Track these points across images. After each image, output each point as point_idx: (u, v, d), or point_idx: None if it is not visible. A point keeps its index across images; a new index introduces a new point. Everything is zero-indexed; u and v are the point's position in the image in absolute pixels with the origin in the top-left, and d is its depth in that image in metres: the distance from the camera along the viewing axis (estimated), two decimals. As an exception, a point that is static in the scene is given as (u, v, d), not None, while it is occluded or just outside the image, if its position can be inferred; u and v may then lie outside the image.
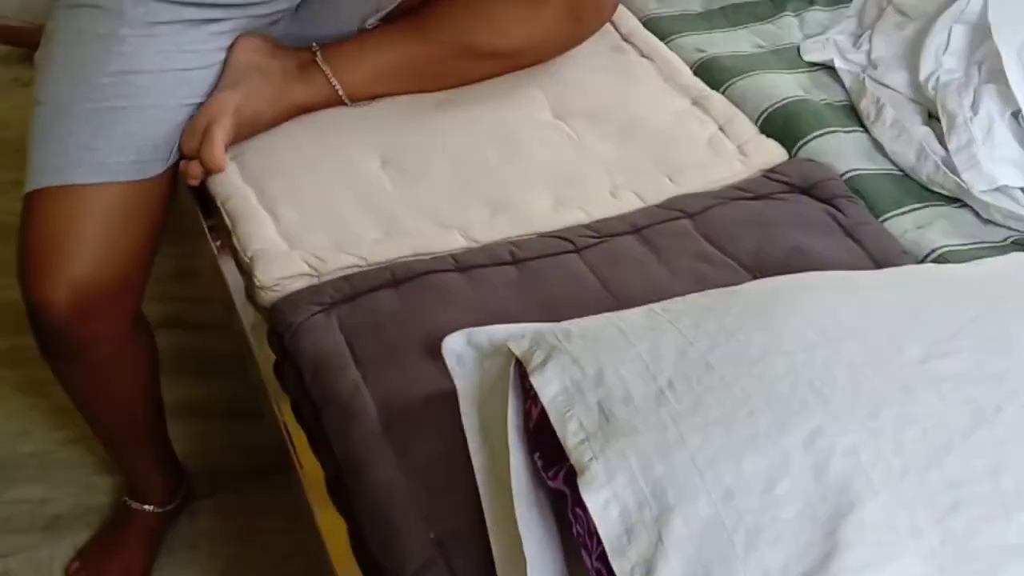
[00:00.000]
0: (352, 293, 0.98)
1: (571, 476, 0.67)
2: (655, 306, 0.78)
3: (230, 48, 1.15)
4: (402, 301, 0.97)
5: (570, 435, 0.68)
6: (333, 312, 0.96)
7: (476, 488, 0.78)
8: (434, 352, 0.90)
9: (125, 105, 1.09)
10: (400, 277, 0.99)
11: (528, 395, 0.73)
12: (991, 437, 0.63)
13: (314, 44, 1.18)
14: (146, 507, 1.41)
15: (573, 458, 0.67)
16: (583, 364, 0.71)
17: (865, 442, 0.62)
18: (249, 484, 1.51)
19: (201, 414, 1.61)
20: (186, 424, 1.53)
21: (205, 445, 1.56)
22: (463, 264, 1.01)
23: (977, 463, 0.62)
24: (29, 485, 1.52)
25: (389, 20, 1.20)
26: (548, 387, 0.71)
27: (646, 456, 0.64)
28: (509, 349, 0.75)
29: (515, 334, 0.77)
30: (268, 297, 1.01)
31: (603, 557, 0.63)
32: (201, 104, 1.13)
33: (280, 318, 0.97)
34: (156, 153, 1.11)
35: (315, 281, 1.00)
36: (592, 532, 0.64)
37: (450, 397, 0.85)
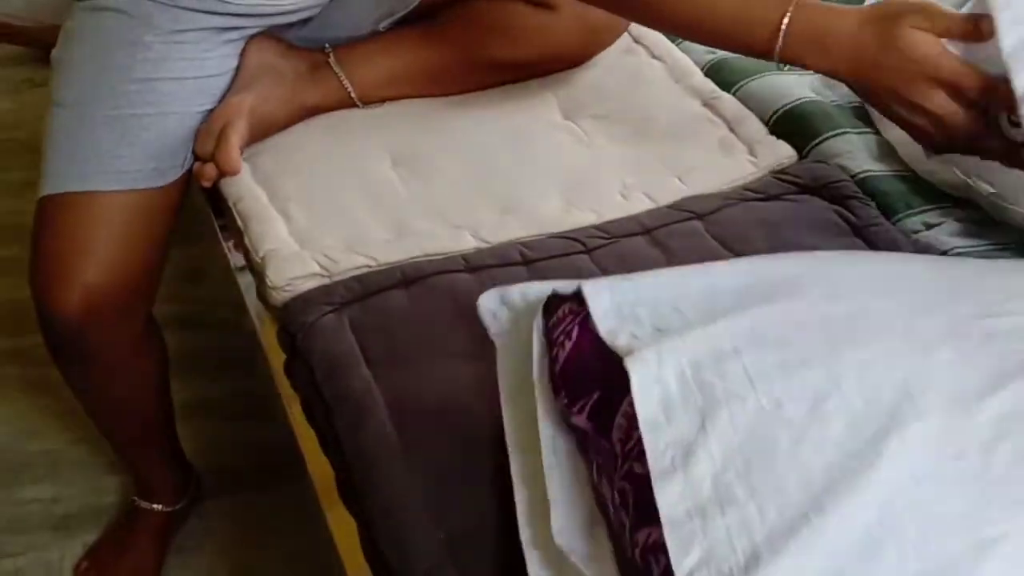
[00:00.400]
0: (363, 293, 0.98)
1: (597, 407, 0.66)
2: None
3: (243, 50, 1.15)
4: (412, 301, 0.97)
5: (621, 342, 0.67)
6: (344, 312, 0.96)
7: (486, 488, 0.78)
8: (444, 352, 0.90)
9: (150, 112, 1.09)
10: (410, 277, 0.99)
11: (554, 343, 0.72)
12: None
13: (327, 46, 1.18)
14: (155, 506, 1.41)
15: (622, 349, 0.65)
16: (640, 291, 0.71)
17: (915, 376, 0.63)
18: (258, 484, 1.51)
19: (211, 414, 1.61)
20: (195, 424, 1.53)
21: (214, 445, 1.56)
22: (473, 264, 1.01)
23: None
24: (39, 485, 1.53)
25: (402, 24, 1.20)
26: (599, 302, 0.70)
27: (697, 359, 0.64)
28: (535, 300, 0.75)
29: (546, 290, 0.76)
30: (279, 297, 1.01)
31: (629, 475, 0.62)
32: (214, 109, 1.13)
33: (291, 318, 0.97)
34: (174, 160, 1.11)
35: (326, 281, 1.01)
36: (616, 454, 0.64)
37: (460, 397, 0.85)
